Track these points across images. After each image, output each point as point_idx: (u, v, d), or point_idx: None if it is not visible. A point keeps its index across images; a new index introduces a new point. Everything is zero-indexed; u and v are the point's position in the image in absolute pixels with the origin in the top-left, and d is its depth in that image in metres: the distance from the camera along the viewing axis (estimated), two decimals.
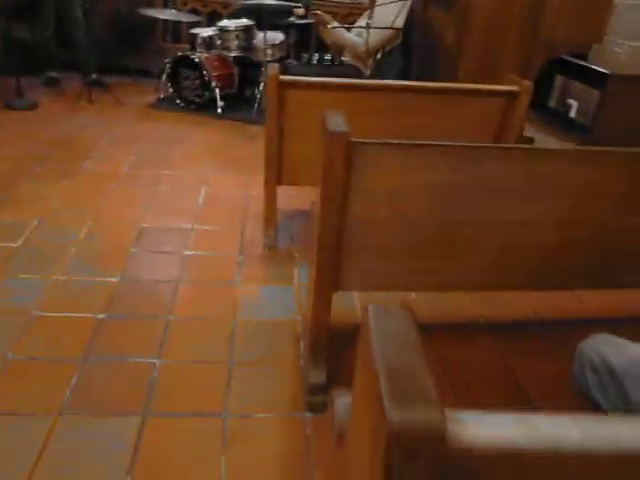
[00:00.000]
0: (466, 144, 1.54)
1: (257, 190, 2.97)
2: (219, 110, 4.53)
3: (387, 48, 3.87)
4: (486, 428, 0.55)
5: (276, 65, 2.43)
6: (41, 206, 2.89)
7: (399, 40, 3.90)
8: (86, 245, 2.60)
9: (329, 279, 1.70)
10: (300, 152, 2.48)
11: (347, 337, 1.42)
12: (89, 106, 4.50)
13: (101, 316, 2.14)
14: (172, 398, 1.81)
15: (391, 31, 3.69)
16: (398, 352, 0.60)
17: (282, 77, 2.34)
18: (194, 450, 1.64)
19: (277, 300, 2.36)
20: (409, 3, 3.77)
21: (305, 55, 4.46)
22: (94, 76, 4.79)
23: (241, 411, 1.79)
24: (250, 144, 4.03)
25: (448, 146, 1.51)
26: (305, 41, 5.25)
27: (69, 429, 1.66)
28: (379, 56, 3.92)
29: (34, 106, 4.36)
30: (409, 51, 4.06)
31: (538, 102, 3.32)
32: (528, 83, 2.32)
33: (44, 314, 2.13)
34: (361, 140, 1.46)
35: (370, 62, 3.90)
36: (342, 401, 0.96)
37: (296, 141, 2.48)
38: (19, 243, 2.55)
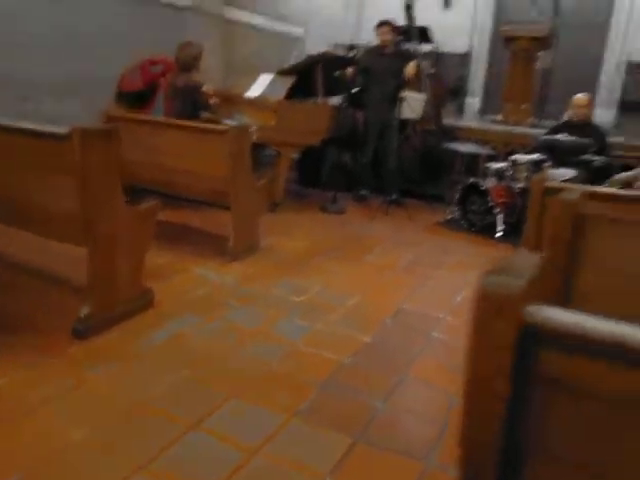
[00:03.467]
0: None
1: None
2: (498, 234, 4.77)
3: None
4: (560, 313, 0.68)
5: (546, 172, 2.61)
6: (326, 277, 3.50)
7: None
8: (352, 310, 3.05)
9: None
10: None
11: None
12: (384, 217, 5.24)
13: (346, 360, 2.49)
14: (384, 438, 1.99)
15: None
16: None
17: (548, 183, 2.51)
18: None
19: None
20: None
21: None
22: (394, 196, 5.59)
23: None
24: None
25: None
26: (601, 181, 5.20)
27: (296, 425, 1.99)
28: None
29: (342, 212, 5.29)
30: None
31: None
32: None
33: (303, 349, 2.58)
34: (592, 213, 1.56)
35: None
36: None
37: None
38: (302, 298, 3.15)
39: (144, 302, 2.78)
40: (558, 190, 2.48)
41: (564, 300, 1.62)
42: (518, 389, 0.72)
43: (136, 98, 5.07)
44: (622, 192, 2.39)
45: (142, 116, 4.16)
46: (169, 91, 4.57)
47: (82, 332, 2.45)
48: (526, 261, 0.78)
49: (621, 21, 7.68)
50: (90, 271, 2.47)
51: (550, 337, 0.68)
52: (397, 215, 5.32)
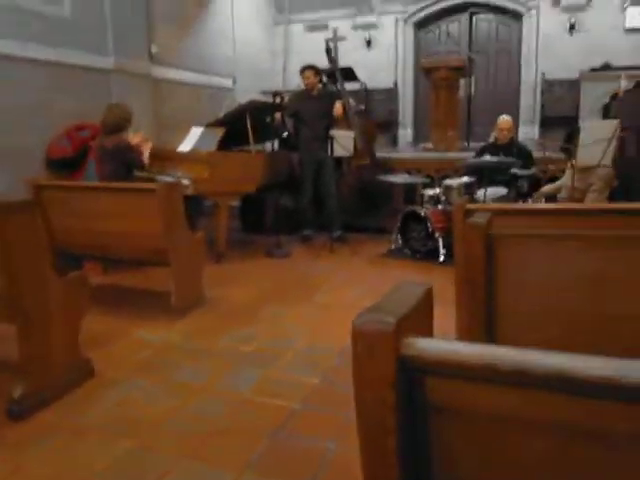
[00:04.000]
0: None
1: None
2: (441, 258, 4.88)
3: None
4: (435, 343, 0.70)
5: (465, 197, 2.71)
6: (273, 323, 3.49)
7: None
8: (300, 353, 3.04)
9: None
10: None
11: None
12: (329, 255, 5.29)
13: (296, 405, 2.46)
14: None
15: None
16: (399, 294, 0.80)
17: (469, 205, 2.60)
18: None
19: None
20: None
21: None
22: (338, 233, 5.68)
23: None
24: None
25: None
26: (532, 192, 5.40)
27: (247, 478, 1.94)
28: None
29: (287, 255, 5.30)
30: None
31: None
32: None
33: (252, 399, 2.54)
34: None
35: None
36: None
37: None
38: (250, 347, 3.11)
39: (84, 373, 2.68)
40: (475, 212, 2.57)
41: (488, 321, 1.66)
42: (409, 421, 0.74)
43: (66, 164, 5.01)
44: (534, 206, 2.50)
45: (71, 182, 4.13)
46: (99, 154, 4.54)
47: (17, 413, 2.34)
48: (407, 294, 0.81)
49: (531, 46, 8.16)
50: (21, 348, 2.39)
51: (427, 367, 0.70)
52: (342, 251, 5.39)
